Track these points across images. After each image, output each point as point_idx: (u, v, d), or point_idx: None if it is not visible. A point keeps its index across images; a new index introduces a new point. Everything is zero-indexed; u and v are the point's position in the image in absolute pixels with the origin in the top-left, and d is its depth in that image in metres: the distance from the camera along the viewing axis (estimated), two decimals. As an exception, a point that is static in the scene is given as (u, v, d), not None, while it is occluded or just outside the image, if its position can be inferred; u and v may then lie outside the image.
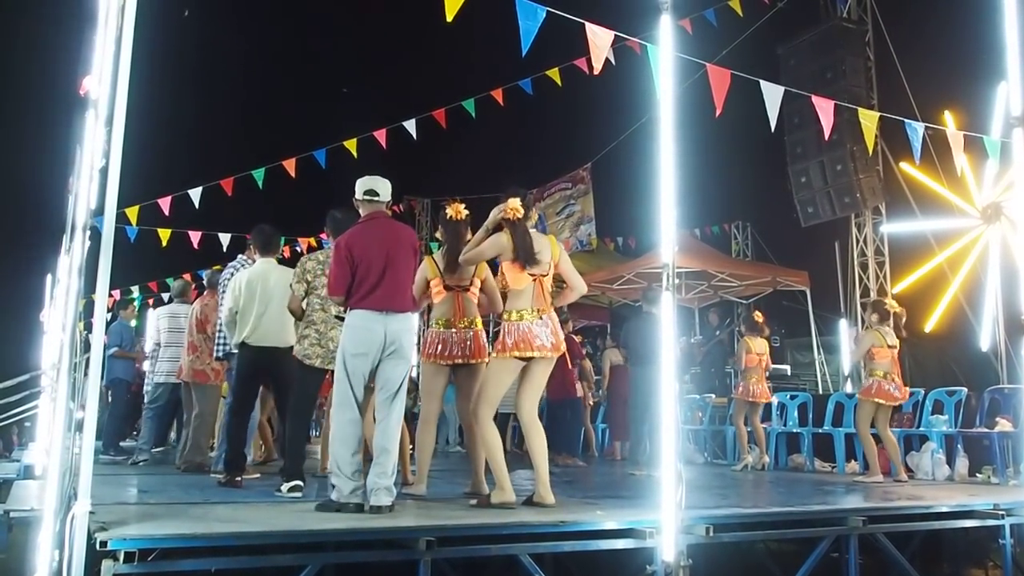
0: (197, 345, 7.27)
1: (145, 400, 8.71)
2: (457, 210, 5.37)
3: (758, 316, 9.17)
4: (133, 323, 9.39)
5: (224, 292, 6.55)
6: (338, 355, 4.51)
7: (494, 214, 4.90)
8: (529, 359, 4.74)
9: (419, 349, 5.78)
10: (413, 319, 4.61)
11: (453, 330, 5.24)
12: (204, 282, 7.73)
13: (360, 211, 4.73)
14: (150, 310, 8.79)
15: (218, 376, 7.27)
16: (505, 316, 4.82)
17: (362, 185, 4.70)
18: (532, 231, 4.88)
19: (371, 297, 4.44)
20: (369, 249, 4.51)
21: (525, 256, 4.75)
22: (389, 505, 4.27)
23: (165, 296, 8.62)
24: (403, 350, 4.45)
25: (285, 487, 5.06)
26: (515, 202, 4.80)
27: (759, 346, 8.90)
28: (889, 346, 7.47)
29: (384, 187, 4.73)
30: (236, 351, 6.34)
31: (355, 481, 4.28)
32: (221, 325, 6.54)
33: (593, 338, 15.04)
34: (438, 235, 5.61)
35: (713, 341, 13.03)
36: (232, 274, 6.54)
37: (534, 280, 4.77)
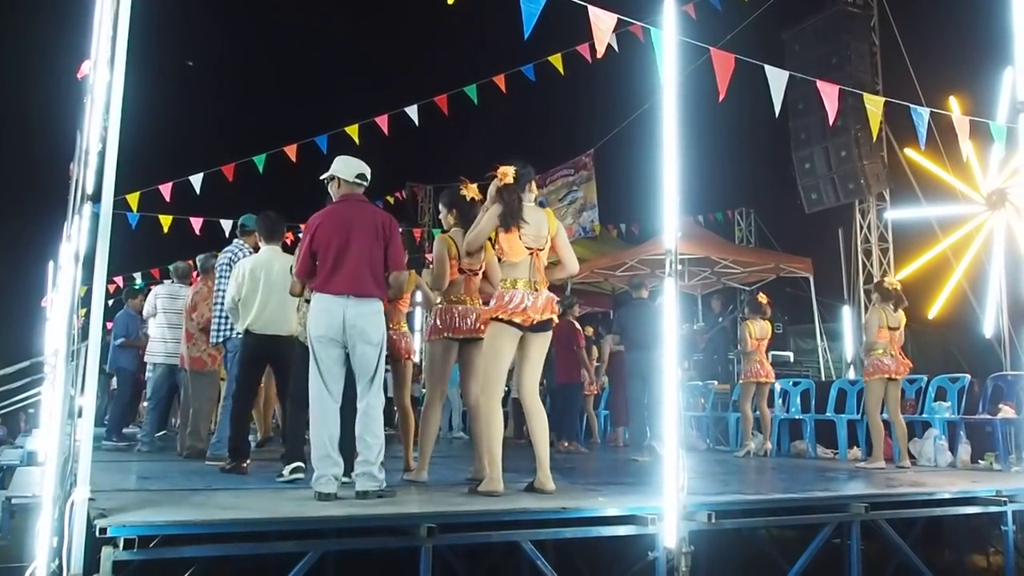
0: (192, 332, 7.29)
1: (147, 386, 8.75)
2: (472, 190, 5.31)
3: (762, 297, 9.15)
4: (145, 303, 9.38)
5: (220, 277, 6.54)
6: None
7: (491, 190, 4.84)
8: (521, 328, 4.65)
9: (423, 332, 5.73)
10: (377, 304, 4.44)
11: (460, 306, 5.23)
12: (198, 267, 7.71)
13: (338, 190, 4.63)
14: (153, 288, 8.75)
15: (215, 361, 7.29)
16: (501, 284, 4.75)
17: (353, 169, 4.60)
18: (529, 204, 4.80)
19: (330, 280, 4.37)
20: (333, 231, 4.42)
21: (511, 216, 4.65)
22: (376, 490, 4.24)
23: (167, 282, 8.59)
24: (367, 335, 4.35)
25: (287, 470, 5.05)
26: (506, 168, 4.74)
27: (760, 329, 8.89)
28: (890, 327, 7.45)
29: (361, 168, 4.62)
30: (233, 337, 6.37)
31: (321, 469, 4.23)
32: (217, 311, 6.53)
33: (596, 324, 15.02)
34: (451, 218, 5.47)
35: (716, 328, 13.02)
36: (230, 259, 6.52)
37: (531, 253, 4.71)
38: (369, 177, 4.65)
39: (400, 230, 4.73)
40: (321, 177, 4.72)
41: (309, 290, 4.56)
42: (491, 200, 4.82)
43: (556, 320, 4.81)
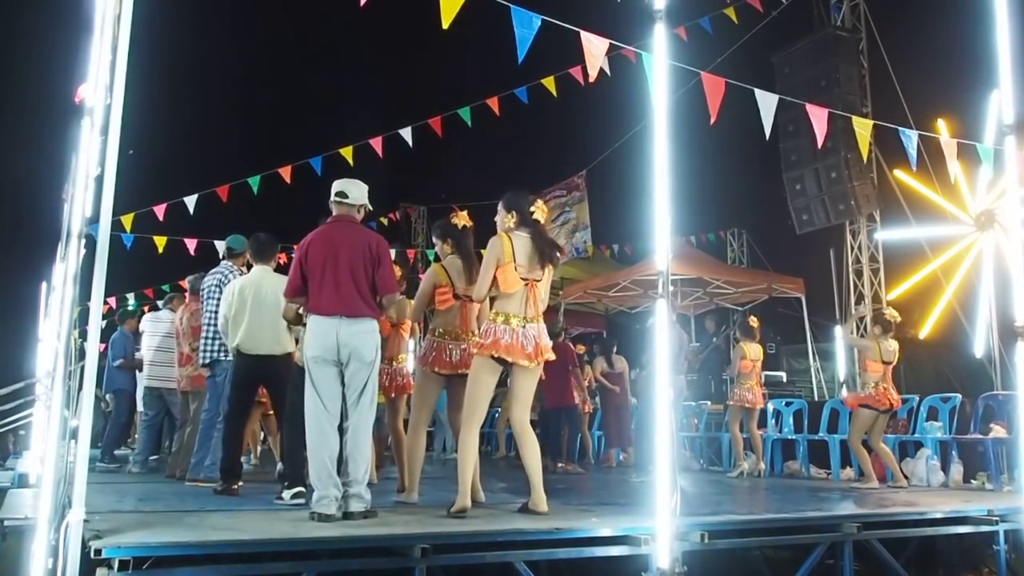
0: (187, 353, 7.29)
1: (139, 408, 8.76)
2: (461, 217, 5.37)
3: (753, 321, 9.19)
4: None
5: (207, 298, 6.54)
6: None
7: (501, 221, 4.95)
8: (508, 364, 4.69)
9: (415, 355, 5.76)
10: (370, 324, 4.47)
11: (452, 342, 5.21)
12: (188, 288, 7.74)
13: (332, 212, 4.71)
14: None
15: None
16: (491, 317, 4.76)
17: (335, 187, 4.69)
18: (524, 235, 4.80)
19: (323, 301, 4.41)
20: (323, 252, 4.47)
21: (546, 258, 4.74)
22: (362, 511, 4.27)
23: (160, 303, 8.69)
24: (360, 354, 4.38)
25: (287, 494, 5.04)
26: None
27: (754, 352, 8.92)
28: (884, 362, 7.46)
29: (355, 190, 4.68)
30: (223, 360, 6.36)
31: (322, 490, 4.25)
32: (205, 332, 6.52)
33: (590, 344, 15.07)
34: (447, 248, 5.44)
35: (710, 348, 13.06)
36: (219, 281, 6.52)
37: (526, 285, 4.73)
38: (352, 193, 4.65)
39: (393, 251, 4.76)
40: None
41: (305, 312, 4.60)
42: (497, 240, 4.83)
43: (548, 357, 4.78)
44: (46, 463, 3.61)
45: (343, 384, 4.43)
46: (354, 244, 4.50)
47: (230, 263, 6.74)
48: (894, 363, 7.55)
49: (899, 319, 7.77)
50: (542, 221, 4.87)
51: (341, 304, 4.39)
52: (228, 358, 6.25)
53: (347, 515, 4.25)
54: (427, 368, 5.27)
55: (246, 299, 5.82)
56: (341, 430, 4.45)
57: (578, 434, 10.70)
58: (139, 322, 8.93)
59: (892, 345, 7.56)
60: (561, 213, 17.54)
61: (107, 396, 9.36)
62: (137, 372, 8.91)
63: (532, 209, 4.82)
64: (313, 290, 4.46)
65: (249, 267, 6.42)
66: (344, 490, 4.29)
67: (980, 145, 7.00)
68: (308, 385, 4.41)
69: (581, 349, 11.31)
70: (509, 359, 4.64)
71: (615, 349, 10.82)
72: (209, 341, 6.47)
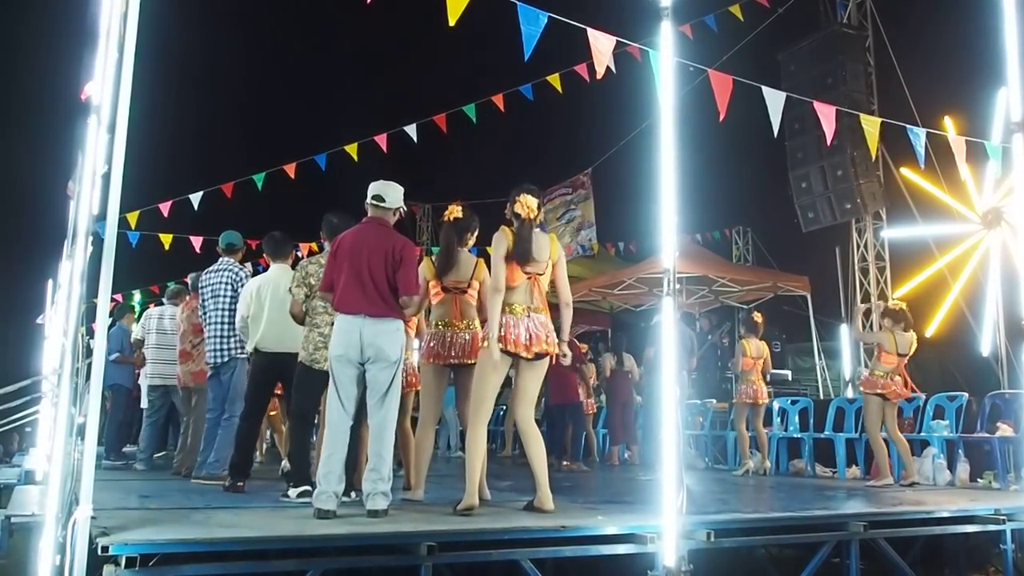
0: (190, 351, 7.29)
1: (142, 405, 8.77)
2: (451, 211, 5.39)
3: (757, 316, 9.17)
4: (134, 328, 9.41)
5: (213, 296, 6.54)
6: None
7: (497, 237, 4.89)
8: (514, 356, 4.70)
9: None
10: (394, 323, 4.53)
11: (451, 331, 5.24)
12: (189, 286, 7.75)
13: (368, 213, 4.78)
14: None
15: None
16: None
17: (372, 189, 4.77)
18: (535, 230, 4.84)
19: (348, 300, 4.48)
20: (352, 252, 4.55)
21: (522, 255, 4.72)
22: (384, 509, 4.30)
23: (164, 299, 8.68)
24: (384, 354, 4.44)
25: (294, 492, 5.05)
26: (529, 200, 4.80)
27: (756, 348, 8.89)
28: (899, 354, 7.44)
29: (392, 194, 4.78)
30: (237, 356, 6.38)
31: (323, 485, 4.28)
32: (214, 331, 6.50)
33: (595, 343, 15.06)
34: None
35: (705, 345, 13.03)
36: (230, 279, 6.51)
37: (529, 278, 4.76)
38: (389, 197, 4.76)
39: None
40: None
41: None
42: (500, 236, 4.82)
43: (552, 350, 4.80)
44: (53, 460, 3.61)
45: (361, 385, 4.49)
46: (379, 246, 4.58)
47: (230, 259, 6.74)
48: (909, 355, 7.52)
49: (904, 306, 7.73)
50: (522, 216, 4.81)
51: (364, 303, 4.46)
52: (241, 356, 6.26)
53: (372, 513, 4.28)
54: (428, 362, 5.30)
55: (264, 298, 5.83)
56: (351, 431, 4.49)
57: (582, 432, 10.69)
58: (137, 317, 8.94)
59: (908, 336, 7.53)
60: (566, 211, 17.53)
61: (105, 392, 9.39)
62: (139, 368, 8.93)
63: (513, 203, 4.83)
64: (337, 287, 4.54)
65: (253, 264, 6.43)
66: (371, 487, 4.32)
67: (988, 143, 6.96)
68: (331, 384, 4.48)
69: (584, 348, 11.30)
70: (512, 350, 4.64)
71: (624, 347, 10.81)
72: (223, 340, 6.46)
